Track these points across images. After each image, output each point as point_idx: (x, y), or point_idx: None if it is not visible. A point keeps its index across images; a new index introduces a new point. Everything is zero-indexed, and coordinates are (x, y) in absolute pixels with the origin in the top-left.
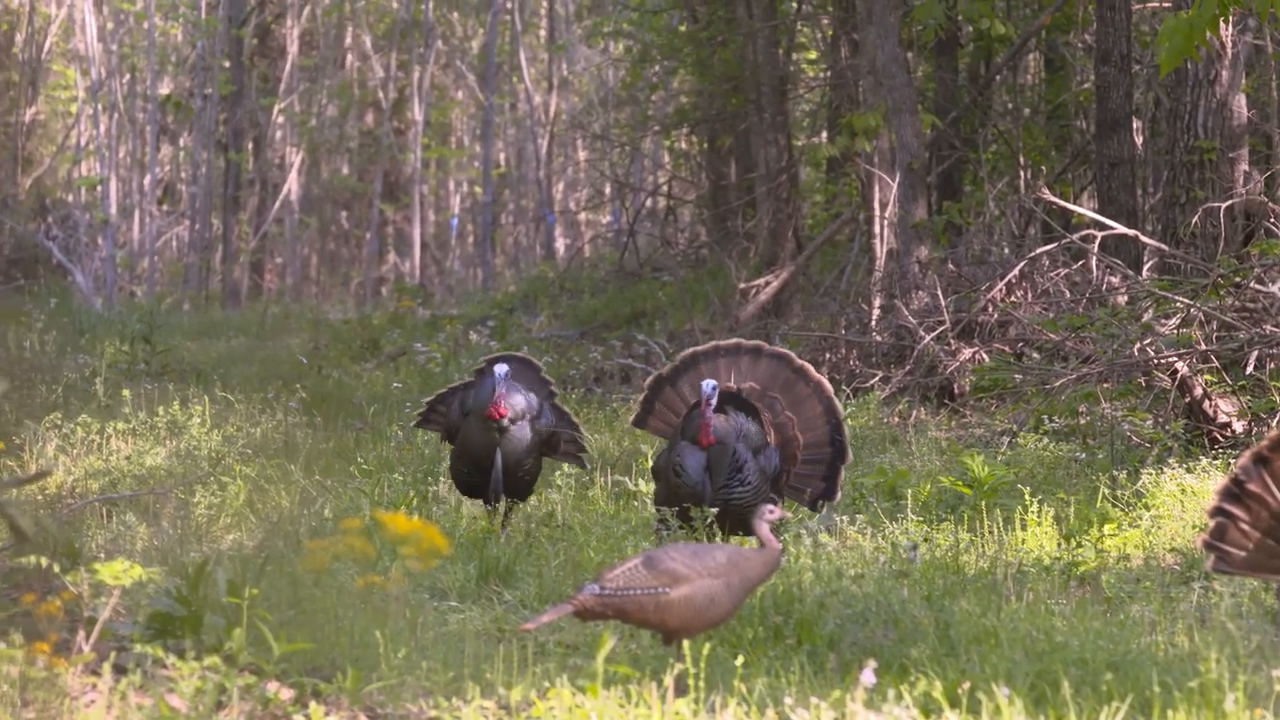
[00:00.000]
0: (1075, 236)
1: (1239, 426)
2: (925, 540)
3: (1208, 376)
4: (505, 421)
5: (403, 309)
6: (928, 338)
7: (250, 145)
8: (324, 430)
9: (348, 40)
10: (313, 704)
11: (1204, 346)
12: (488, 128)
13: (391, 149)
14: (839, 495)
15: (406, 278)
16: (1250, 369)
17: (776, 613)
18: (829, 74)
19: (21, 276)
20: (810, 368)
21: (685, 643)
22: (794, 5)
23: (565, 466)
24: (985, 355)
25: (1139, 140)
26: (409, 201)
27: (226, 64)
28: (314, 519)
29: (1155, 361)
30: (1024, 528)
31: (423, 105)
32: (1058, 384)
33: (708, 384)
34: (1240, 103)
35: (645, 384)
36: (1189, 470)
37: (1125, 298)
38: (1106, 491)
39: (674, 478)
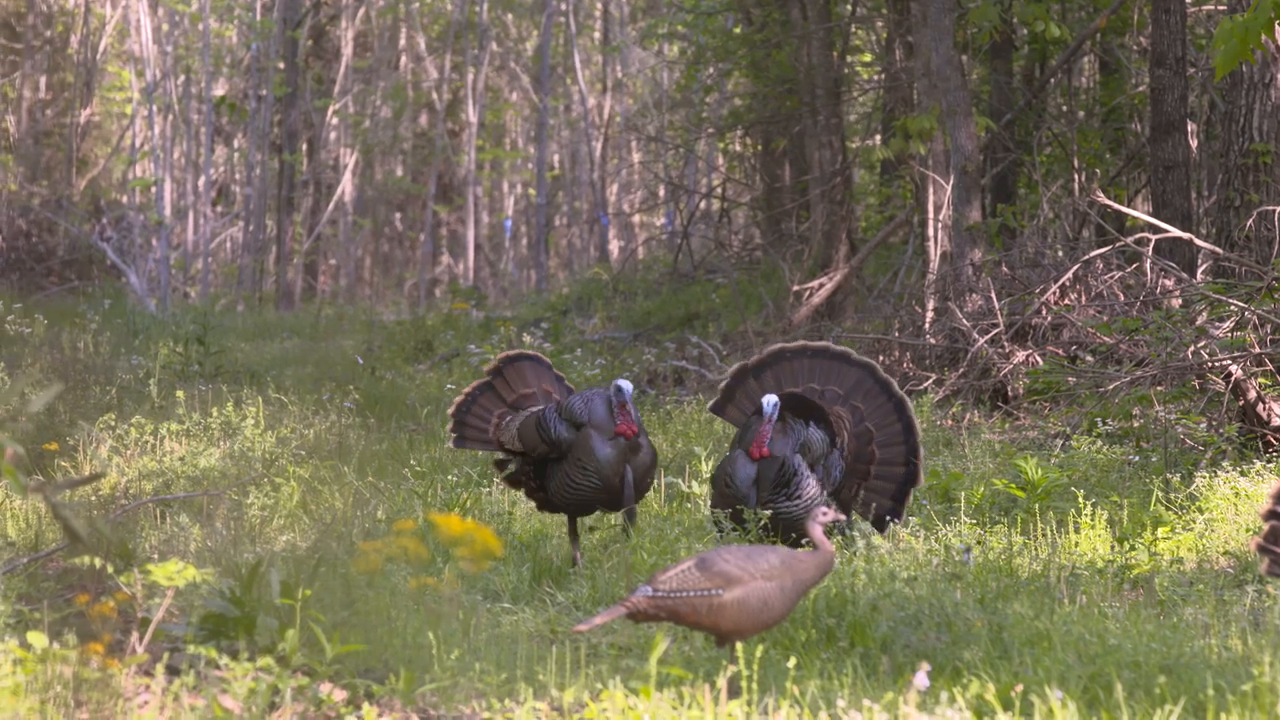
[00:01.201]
0: (1129, 240)
1: None
2: (978, 543)
3: (1262, 380)
4: (639, 439)
5: (456, 311)
6: (981, 340)
7: (304, 147)
8: (377, 432)
9: (402, 42)
10: (366, 705)
11: (1258, 350)
12: (542, 129)
13: (445, 150)
14: (904, 517)
15: (460, 279)
16: None
17: (829, 615)
18: (883, 76)
19: (76, 278)
20: (894, 383)
21: (738, 645)
22: (849, 8)
23: None
24: (1039, 358)
25: (1194, 143)
26: (463, 203)
27: (281, 65)
28: (367, 520)
29: (1209, 365)
30: (1077, 530)
31: (477, 107)
32: (1111, 387)
33: (768, 401)
34: None
35: (729, 371)
36: (1243, 474)
37: (1179, 301)
38: (1160, 494)
39: (724, 488)
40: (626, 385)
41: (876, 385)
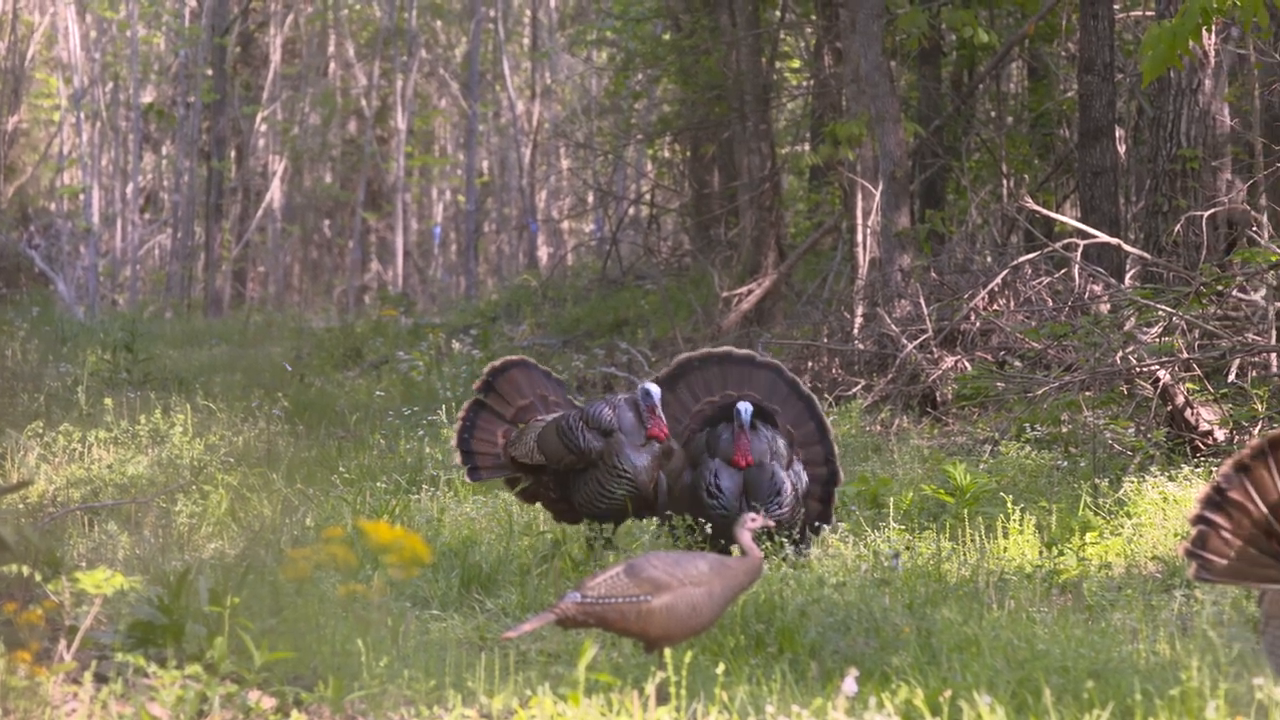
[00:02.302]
0: (1058, 245)
1: (1221, 435)
2: (907, 548)
3: (1190, 385)
4: (670, 442)
5: (385, 317)
6: (910, 346)
7: (233, 153)
8: (306, 439)
9: (331, 48)
10: (294, 713)
11: (1186, 355)
12: (471, 136)
13: (374, 157)
14: (834, 520)
15: (389, 286)
16: (1232, 377)
17: (758, 621)
18: (812, 82)
19: (3, 285)
20: (801, 381)
21: (667, 651)
22: (778, 14)
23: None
24: (968, 363)
25: (1122, 149)
26: (392, 210)
27: (209, 72)
28: (296, 528)
29: (1137, 370)
30: (1006, 536)
31: (406, 113)
32: (1040, 392)
33: (744, 407)
34: (1223, 111)
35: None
36: (1171, 478)
37: (1108, 306)
38: (1088, 499)
39: (706, 499)
40: (654, 388)
41: (786, 385)
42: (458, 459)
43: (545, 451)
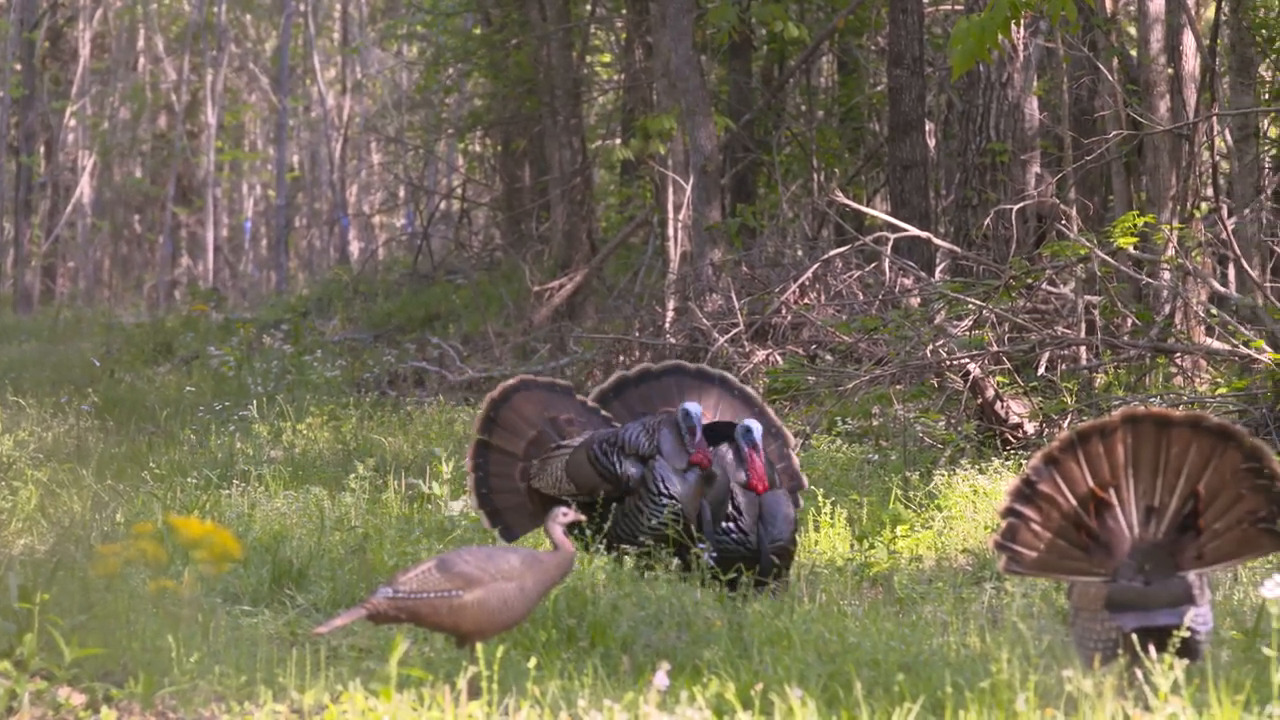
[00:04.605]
0: (868, 239)
1: (1030, 428)
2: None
3: (999, 378)
4: (715, 468)
5: (196, 312)
6: (721, 340)
7: (42, 149)
8: (117, 434)
9: (140, 43)
10: (105, 709)
11: (996, 348)
12: (281, 131)
13: (185, 152)
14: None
15: (200, 281)
16: (1041, 370)
17: (570, 615)
18: (623, 77)
19: None
20: (752, 391)
21: (479, 646)
22: (588, 8)
23: (361, 467)
24: (779, 357)
25: (931, 143)
26: (202, 205)
27: (18, 67)
28: (106, 524)
29: (947, 363)
30: (817, 529)
31: (216, 108)
32: (850, 386)
33: (753, 425)
34: (1032, 105)
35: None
36: (981, 471)
37: (918, 300)
38: (899, 493)
39: (733, 539)
40: (695, 409)
41: (737, 398)
42: (485, 521)
43: (577, 481)
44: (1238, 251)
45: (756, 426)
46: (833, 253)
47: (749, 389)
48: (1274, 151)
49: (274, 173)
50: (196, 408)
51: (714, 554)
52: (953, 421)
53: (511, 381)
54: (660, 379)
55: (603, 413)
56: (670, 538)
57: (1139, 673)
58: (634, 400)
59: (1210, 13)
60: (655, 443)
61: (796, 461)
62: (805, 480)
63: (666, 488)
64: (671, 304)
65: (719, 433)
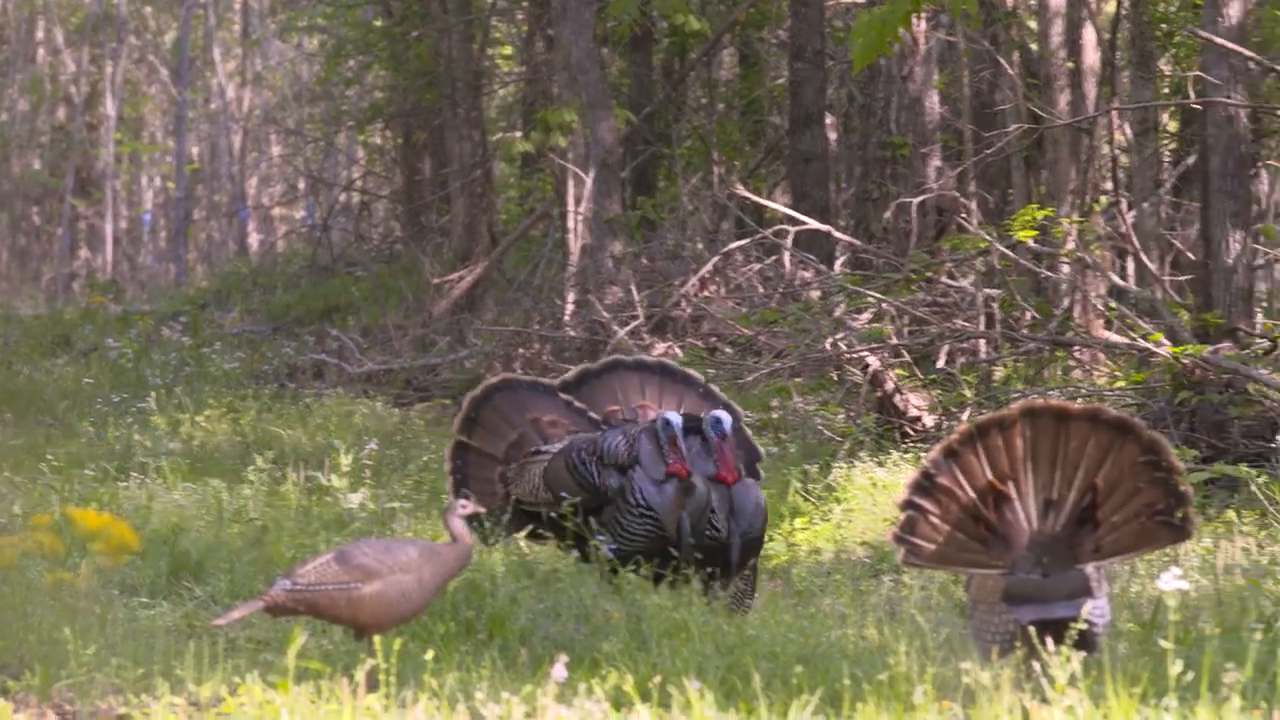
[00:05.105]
0: (768, 232)
1: (929, 420)
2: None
3: (899, 371)
4: (694, 479)
5: (94, 305)
6: (621, 332)
7: None
8: (14, 426)
9: (39, 34)
10: (1, 701)
11: (895, 341)
12: (181, 123)
13: (83, 144)
14: None
15: (99, 273)
16: (941, 363)
17: (468, 607)
18: (524, 69)
19: None
20: (714, 388)
21: (377, 638)
22: (489, 0)
23: (260, 460)
24: (679, 350)
25: (832, 136)
26: (101, 197)
27: None
28: (3, 515)
29: (847, 356)
30: None
31: (115, 100)
32: (750, 378)
33: (722, 415)
34: (932, 99)
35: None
36: (880, 464)
37: (818, 293)
38: (798, 485)
39: (706, 535)
40: (675, 419)
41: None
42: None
43: (554, 490)
44: (1137, 245)
45: (726, 417)
46: (733, 246)
47: (690, 371)
48: (1173, 146)
49: (173, 165)
50: (94, 400)
51: (693, 557)
52: (852, 414)
53: (493, 381)
54: (600, 376)
55: (590, 414)
56: (657, 547)
57: (1036, 665)
58: (590, 393)
59: (1111, 7)
60: (634, 453)
61: (748, 432)
62: (761, 450)
63: (644, 498)
64: (571, 297)
65: (686, 425)
